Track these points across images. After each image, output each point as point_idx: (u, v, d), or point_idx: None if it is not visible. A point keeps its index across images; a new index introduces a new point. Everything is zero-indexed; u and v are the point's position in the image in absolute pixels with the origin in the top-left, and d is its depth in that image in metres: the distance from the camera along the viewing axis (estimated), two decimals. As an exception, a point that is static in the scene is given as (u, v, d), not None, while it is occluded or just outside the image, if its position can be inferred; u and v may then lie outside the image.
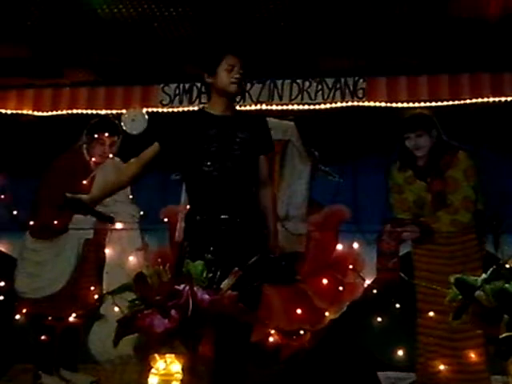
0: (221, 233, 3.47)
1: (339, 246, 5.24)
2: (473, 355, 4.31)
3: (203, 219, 3.53)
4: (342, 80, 5.76)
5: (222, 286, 2.78)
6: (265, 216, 3.63)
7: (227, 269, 2.85)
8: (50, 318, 4.90)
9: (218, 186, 3.53)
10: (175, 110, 5.87)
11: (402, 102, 5.58)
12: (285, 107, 5.79)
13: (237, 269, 2.85)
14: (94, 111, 5.95)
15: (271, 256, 3.50)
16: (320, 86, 5.79)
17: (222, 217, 3.50)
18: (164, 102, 5.96)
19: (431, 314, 4.32)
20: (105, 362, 4.94)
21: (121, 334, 2.72)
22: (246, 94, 5.77)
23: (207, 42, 5.12)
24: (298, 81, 5.83)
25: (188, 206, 3.74)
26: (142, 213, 5.17)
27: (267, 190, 3.69)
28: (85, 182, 5.06)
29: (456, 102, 5.49)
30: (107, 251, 5.08)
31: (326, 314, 5.04)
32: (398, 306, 4.64)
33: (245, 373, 3.47)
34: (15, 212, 5.35)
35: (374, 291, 4.80)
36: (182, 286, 2.68)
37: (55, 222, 4.92)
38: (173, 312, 2.63)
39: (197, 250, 3.03)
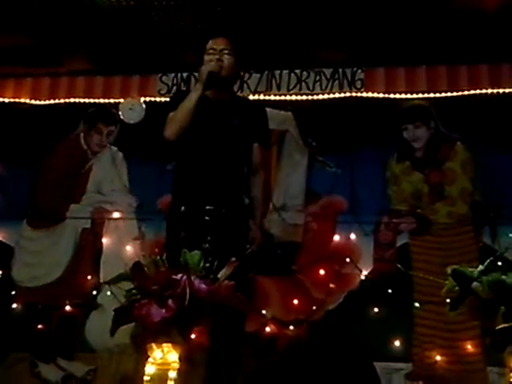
0: (205, 223, 3.41)
1: (336, 237, 5.24)
2: (469, 346, 4.33)
3: (188, 210, 3.47)
4: (340, 70, 5.75)
5: (218, 275, 2.77)
6: (253, 206, 3.58)
7: (214, 259, 2.81)
8: (46, 306, 4.91)
9: (210, 173, 3.47)
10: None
11: (400, 93, 5.56)
12: (283, 98, 5.76)
13: (234, 259, 2.85)
14: (92, 100, 5.92)
15: (248, 248, 3.36)
16: (318, 77, 5.77)
17: (207, 207, 3.45)
18: (162, 92, 5.93)
19: (428, 305, 4.34)
20: (102, 350, 4.95)
21: (118, 324, 2.72)
22: (244, 85, 5.76)
23: (202, 33, 5.10)
24: (296, 71, 5.81)
25: (172, 196, 3.62)
26: (138, 202, 5.17)
27: (258, 179, 3.63)
28: (82, 170, 5.07)
29: (454, 94, 5.47)
30: (104, 240, 5.09)
31: (323, 304, 5.05)
32: (394, 296, 4.65)
33: (238, 361, 3.46)
34: (12, 201, 5.34)
35: (371, 282, 4.81)
36: (179, 275, 2.68)
37: (52, 211, 4.92)
38: (170, 301, 2.63)
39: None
